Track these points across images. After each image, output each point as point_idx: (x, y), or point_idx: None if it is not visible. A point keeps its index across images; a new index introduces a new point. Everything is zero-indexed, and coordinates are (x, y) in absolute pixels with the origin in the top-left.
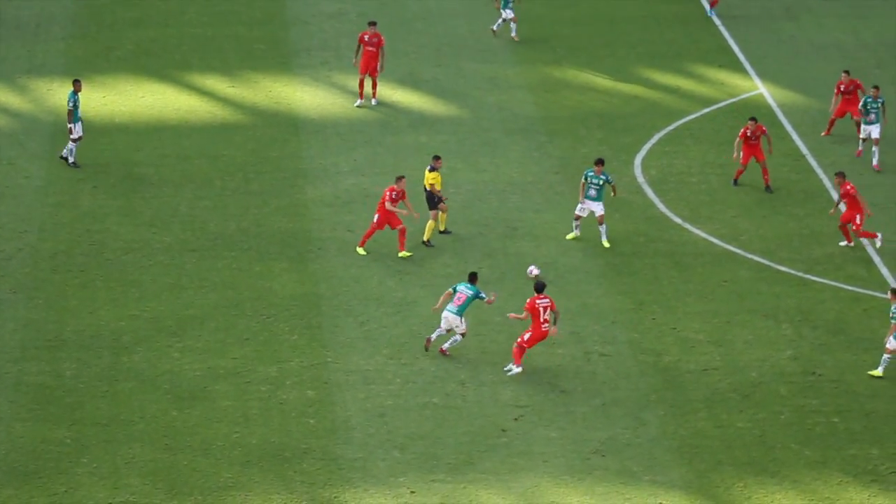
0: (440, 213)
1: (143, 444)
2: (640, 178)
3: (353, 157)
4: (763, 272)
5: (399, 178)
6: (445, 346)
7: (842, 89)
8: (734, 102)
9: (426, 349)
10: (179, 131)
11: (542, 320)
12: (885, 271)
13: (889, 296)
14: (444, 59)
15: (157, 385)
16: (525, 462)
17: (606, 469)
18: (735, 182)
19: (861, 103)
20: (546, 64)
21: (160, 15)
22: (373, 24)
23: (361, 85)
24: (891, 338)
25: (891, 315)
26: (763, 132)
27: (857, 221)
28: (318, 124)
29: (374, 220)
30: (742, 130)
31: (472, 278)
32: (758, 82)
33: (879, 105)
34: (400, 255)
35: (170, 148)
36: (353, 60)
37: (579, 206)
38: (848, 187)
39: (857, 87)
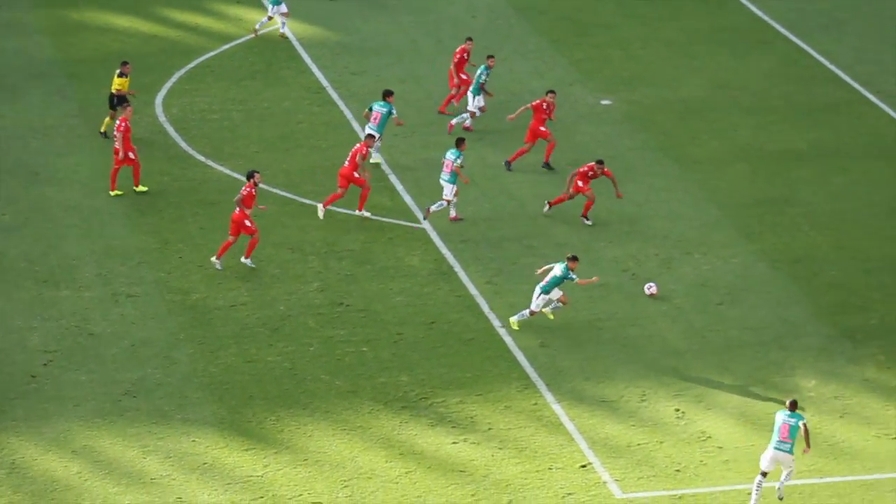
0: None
1: None
2: (162, 118)
3: None
4: (287, 206)
5: (125, 107)
6: (433, 207)
7: (466, 58)
8: (253, 38)
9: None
10: None
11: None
12: (408, 199)
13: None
14: None
15: None
16: (56, 407)
17: (138, 410)
18: (509, 166)
19: (479, 74)
20: (64, 7)
21: None
22: None
23: None
24: (540, 301)
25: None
26: (554, 107)
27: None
28: None
29: (122, 157)
30: (537, 102)
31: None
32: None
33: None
34: (136, 189)
35: None
36: None
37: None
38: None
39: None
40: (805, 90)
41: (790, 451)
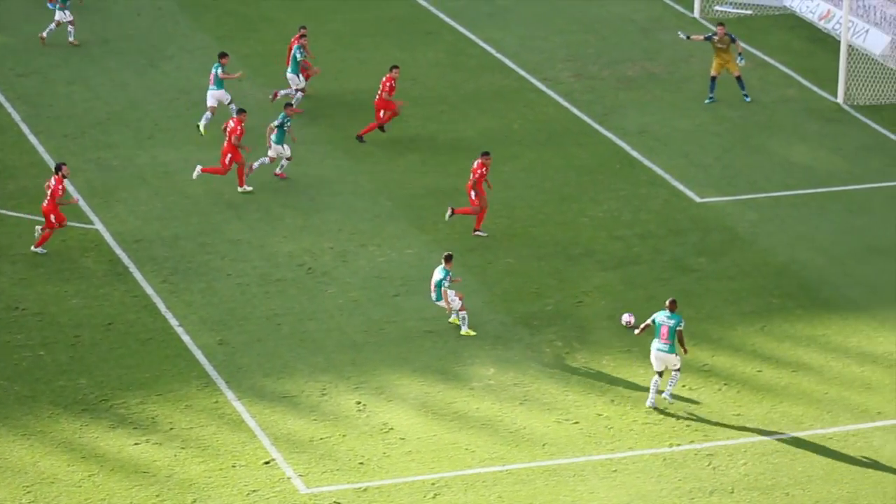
0: None
1: None
2: None
3: None
4: None
5: None
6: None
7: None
8: None
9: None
10: None
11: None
12: (82, 203)
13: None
14: None
15: None
16: None
17: None
18: (360, 138)
19: (293, 54)
20: None
21: None
22: None
23: None
24: (455, 296)
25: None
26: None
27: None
28: None
29: None
30: (384, 80)
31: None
32: None
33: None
34: None
35: None
36: None
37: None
38: None
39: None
40: (472, 79)
41: (671, 351)
